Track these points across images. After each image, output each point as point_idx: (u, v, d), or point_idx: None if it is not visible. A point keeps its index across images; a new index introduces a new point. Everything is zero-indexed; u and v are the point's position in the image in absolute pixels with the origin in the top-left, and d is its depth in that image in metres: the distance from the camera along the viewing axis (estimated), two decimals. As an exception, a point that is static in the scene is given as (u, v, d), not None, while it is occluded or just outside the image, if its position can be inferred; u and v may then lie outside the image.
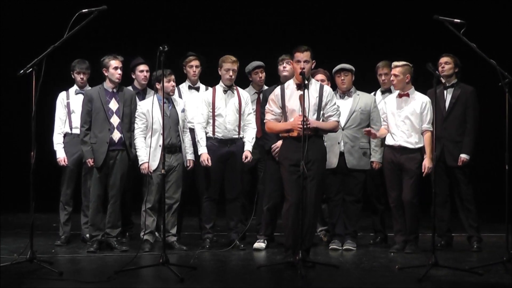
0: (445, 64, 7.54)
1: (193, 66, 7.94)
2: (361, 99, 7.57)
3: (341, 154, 7.46)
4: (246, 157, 7.51)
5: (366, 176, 7.62)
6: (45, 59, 6.19)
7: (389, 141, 7.35)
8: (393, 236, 7.51)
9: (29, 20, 10.68)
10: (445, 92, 7.55)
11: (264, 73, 7.98)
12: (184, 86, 7.99)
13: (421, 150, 7.25)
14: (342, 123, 7.44)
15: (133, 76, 8.04)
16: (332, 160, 7.41)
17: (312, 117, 6.54)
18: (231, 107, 7.53)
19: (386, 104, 7.41)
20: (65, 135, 7.76)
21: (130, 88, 7.90)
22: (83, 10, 6.27)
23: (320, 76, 7.55)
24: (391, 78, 7.36)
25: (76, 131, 7.65)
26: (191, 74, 7.95)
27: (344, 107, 7.48)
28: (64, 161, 7.70)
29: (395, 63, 7.34)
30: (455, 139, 7.47)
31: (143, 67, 7.95)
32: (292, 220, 6.47)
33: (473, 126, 7.49)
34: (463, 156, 7.42)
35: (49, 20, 9.98)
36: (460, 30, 6.43)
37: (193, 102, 7.80)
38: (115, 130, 7.29)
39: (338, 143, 7.44)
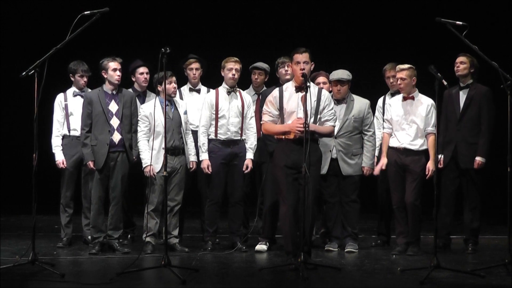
0: (460, 63, 7.47)
1: (193, 69, 7.95)
2: (355, 106, 7.53)
3: (333, 160, 7.44)
4: (247, 167, 7.55)
5: (361, 179, 7.60)
6: (47, 61, 6.20)
7: (393, 143, 7.35)
8: (395, 239, 7.52)
9: (31, 22, 10.68)
10: (460, 92, 7.49)
11: (262, 76, 7.97)
12: (185, 89, 8.00)
13: (426, 153, 7.25)
14: (336, 130, 7.43)
15: (133, 79, 8.04)
16: (323, 167, 7.40)
17: (309, 121, 6.52)
18: (234, 109, 7.54)
19: (391, 107, 7.40)
20: (64, 137, 7.76)
21: (130, 90, 7.91)
22: (85, 12, 6.28)
23: (322, 79, 7.54)
24: (398, 82, 7.32)
25: (74, 133, 7.66)
26: (191, 77, 7.96)
27: (337, 115, 7.44)
28: (63, 164, 7.69)
29: (400, 67, 7.32)
30: (469, 141, 7.39)
31: (143, 69, 7.96)
32: (290, 224, 6.47)
33: (488, 127, 7.38)
34: (478, 159, 7.35)
35: (51, 22, 10.00)
36: (462, 32, 6.41)
37: (194, 104, 7.81)
38: (115, 132, 7.30)
39: (330, 150, 7.43)
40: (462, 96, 7.49)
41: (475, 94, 7.43)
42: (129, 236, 7.94)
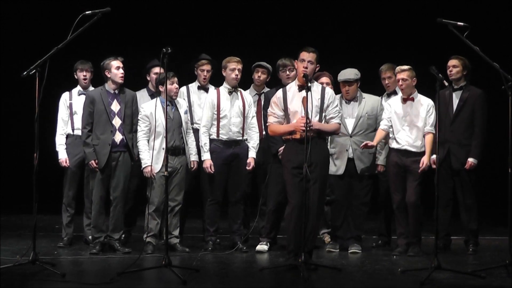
0: (453, 67, 7.46)
1: (205, 70, 7.91)
2: (367, 103, 7.51)
3: (349, 160, 7.44)
4: (250, 164, 7.57)
5: (375, 180, 7.61)
6: (48, 61, 6.20)
7: (393, 144, 7.34)
8: (396, 239, 7.52)
9: (33, 22, 10.69)
10: (453, 94, 7.50)
11: (265, 75, 7.96)
12: (193, 86, 7.99)
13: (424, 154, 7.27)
14: (350, 130, 7.42)
15: (148, 78, 8.04)
16: (340, 167, 7.40)
17: (314, 119, 6.52)
18: (235, 109, 7.54)
19: (391, 107, 7.39)
20: (67, 136, 7.76)
21: (144, 89, 7.93)
22: (87, 12, 6.28)
23: (325, 79, 7.53)
24: (399, 83, 7.31)
25: (78, 132, 7.64)
26: (202, 78, 7.93)
27: (350, 114, 7.46)
28: (66, 163, 7.69)
29: (401, 68, 7.31)
30: (462, 142, 7.40)
31: (158, 69, 7.91)
32: (294, 223, 6.47)
33: (481, 130, 7.40)
34: (471, 160, 7.36)
35: (52, 21, 10.00)
36: (464, 33, 6.41)
37: (201, 103, 7.79)
38: (117, 132, 7.29)
39: (347, 150, 7.43)
40: (455, 98, 7.49)
41: (468, 96, 7.44)
42: (123, 236, 7.77)
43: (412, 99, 7.31)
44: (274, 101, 6.73)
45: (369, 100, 7.55)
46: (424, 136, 7.25)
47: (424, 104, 7.29)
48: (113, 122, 7.28)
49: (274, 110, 6.71)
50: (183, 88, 7.88)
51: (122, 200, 7.34)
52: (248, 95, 7.75)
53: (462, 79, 7.50)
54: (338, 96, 7.51)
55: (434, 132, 7.07)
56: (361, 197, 7.48)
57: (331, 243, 7.56)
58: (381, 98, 7.84)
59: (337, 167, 7.41)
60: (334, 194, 7.50)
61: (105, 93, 7.33)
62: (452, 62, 7.49)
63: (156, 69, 7.93)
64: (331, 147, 7.38)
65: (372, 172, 7.51)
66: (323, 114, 6.65)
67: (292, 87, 6.72)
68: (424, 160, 7.17)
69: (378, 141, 7.36)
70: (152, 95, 7.86)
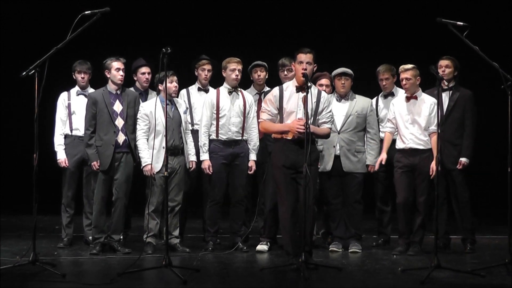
0: (446, 67, 7.49)
1: (205, 70, 7.93)
2: (357, 103, 7.56)
3: (336, 157, 7.46)
4: (251, 169, 7.59)
5: (365, 179, 7.61)
6: (47, 61, 6.20)
7: (399, 144, 7.34)
8: (396, 239, 7.52)
9: (32, 22, 10.69)
10: (443, 95, 7.51)
11: (264, 73, 7.98)
12: (193, 88, 8.00)
13: (431, 151, 7.26)
14: (338, 127, 7.45)
15: (135, 78, 8.03)
16: (327, 163, 7.42)
17: (309, 121, 6.51)
18: (235, 109, 7.54)
19: (395, 107, 7.40)
20: (65, 136, 7.75)
21: (132, 89, 7.91)
22: (86, 12, 6.28)
23: (325, 81, 7.55)
24: (403, 82, 7.32)
25: (76, 132, 7.66)
26: (203, 77, 7.94)
27: (341, 111, 7.50)
28: (65, 163, 7.68)
29: (404, 67, 7.32)
30: (453, 142, 7.45)
31: (144, 69, 7.93)
32: (290, 224, 6.47)
33: (472, 130, 7.45)
34: (463, 160, 7.41)
35: (52, 21, 10.01)
36: (463, 33, 6.41)
37: (202, 103, 7.80)
38: (120, 133, 7.28)
39: (334, 146, 7.44)
40: (445, 98, 7.51)
41: (459, 97, 7.47)
42: (121, 238, 7.77)
43: (416, 98, 7.32)
44: (270, 99, 6.71)
45: (360, 100, 7.60)
46: (429, 135, 7.24)
47: (427, 102, 7.29)
48: (116, 123, 7.28)
49: (269, 108, 6.69)
50: (183, 91, 7.89)
51: (123, 201, 7.33)
52: (249, 95, 7.75)
53: (452, 80, 7.52)
54: (331, 94, 7.53)
55: (438, 131, 7.04)
56: (352, 195, 7.49)
57: (334, 243, 7.55)
58: (378, 97, 7.87)
59: (324, 163, 7.42)
60: (327, 194, 7.51)
61: (107, 94, 7.32)
62: (445, 62, 7.52)
63: (143, 69, 7.93)
64: (318, 144, 7.39)
65: (359, 171, 7.51)
66: (317, 117, 6.66)
67: (289, 87, 6.71)
68: (433, 166, 7.04)
69: (387, 147, 7.37)
70: (141, 94, 7.86)
